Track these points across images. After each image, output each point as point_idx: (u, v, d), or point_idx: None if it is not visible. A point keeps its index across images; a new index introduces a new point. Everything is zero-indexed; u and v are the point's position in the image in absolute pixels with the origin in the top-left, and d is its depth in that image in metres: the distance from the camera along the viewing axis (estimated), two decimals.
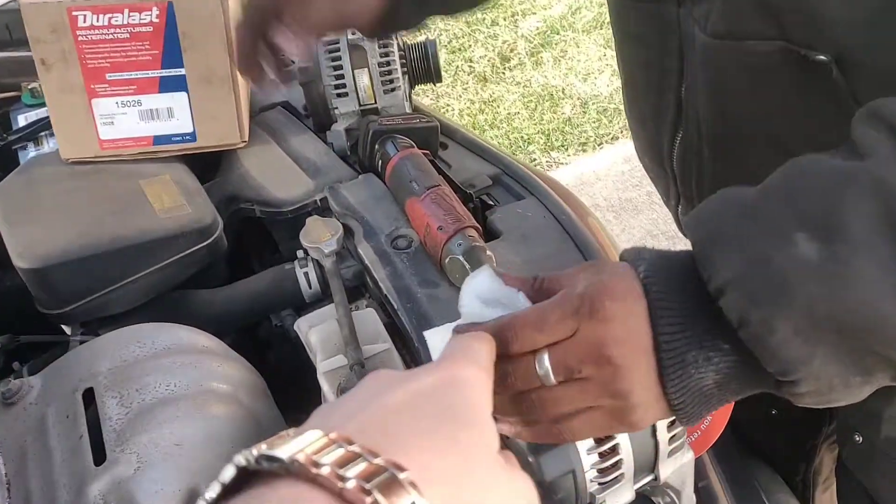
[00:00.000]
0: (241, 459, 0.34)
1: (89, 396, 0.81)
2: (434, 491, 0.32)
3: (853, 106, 0.57)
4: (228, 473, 0.34)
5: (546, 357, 0.49)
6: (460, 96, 3.64)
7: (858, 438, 0.85)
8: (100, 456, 0.75)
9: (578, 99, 3.47)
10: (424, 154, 1.06)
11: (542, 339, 0.50)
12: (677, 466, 0.61)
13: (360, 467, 0.31)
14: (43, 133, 1.32)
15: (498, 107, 3.51)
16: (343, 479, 0.31)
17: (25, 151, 1.31)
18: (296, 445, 0.33)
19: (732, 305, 0.46)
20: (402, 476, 0.31)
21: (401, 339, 0.87)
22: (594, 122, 3.31)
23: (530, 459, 0.57)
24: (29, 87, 1.41)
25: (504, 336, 0.50)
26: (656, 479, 0.61)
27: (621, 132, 3.21)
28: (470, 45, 3.88)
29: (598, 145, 3.21)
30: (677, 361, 0.48)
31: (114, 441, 0.76)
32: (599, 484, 0.56)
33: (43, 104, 1.38)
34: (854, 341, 0.44)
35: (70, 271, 0.94)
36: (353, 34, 1.13)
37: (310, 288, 1.00)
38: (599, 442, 0.56)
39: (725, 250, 0.47)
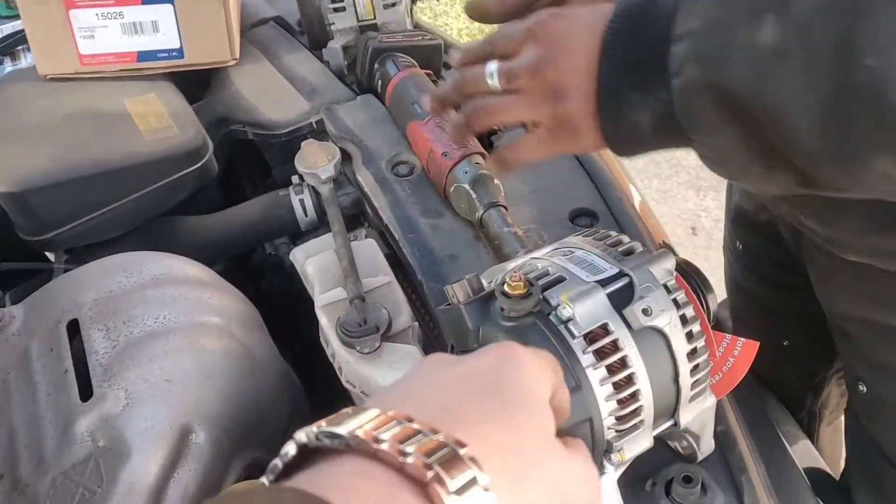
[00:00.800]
0: (302, 437, 0.33)
1: (74, 328, 0.77)
2: (493, 466, 0.32)
3: None
4: (291, 450, 0.33)
5: (495, 64, 0.56)
6: (459, 15, 3.51)
7: (863, 388, 0.83)
8: (86, 391, 0.71)
9: None
10: (427, 74, 0.99)
11: (500, 46, 0.57)
12: (698, 412, 0.58)
13: (420, 443, 0.31)
14: (20, 47, 1.25)
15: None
16: (404, 454, 0.30)
17: (1, 67, 1.24)
18: (356, 423, 0.32)
19: (677, 55, 0.49)
20: (462, 452, 0.31)
21: (402, 271, 0.83)
22: None
23: None
24: None
25: (483, 48, 0.58)
26: (676, 424, 0.57)
27: None
28: None
29: None
30: (612, 96, 0.51)
31: (101, 376, 0.72)
32: (617, 431, 0.53)
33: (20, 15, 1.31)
34: (761, 134, 0.47)
35: (51, 196, 0.89)
36: None
37: (305, 216, 0.95)
38: (618, 388, 0.52)
39: (710, 4, 0.48)
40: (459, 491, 0.30)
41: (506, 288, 0.53)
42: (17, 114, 0.98)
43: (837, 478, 1.04)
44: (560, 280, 0.56)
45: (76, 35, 0.99)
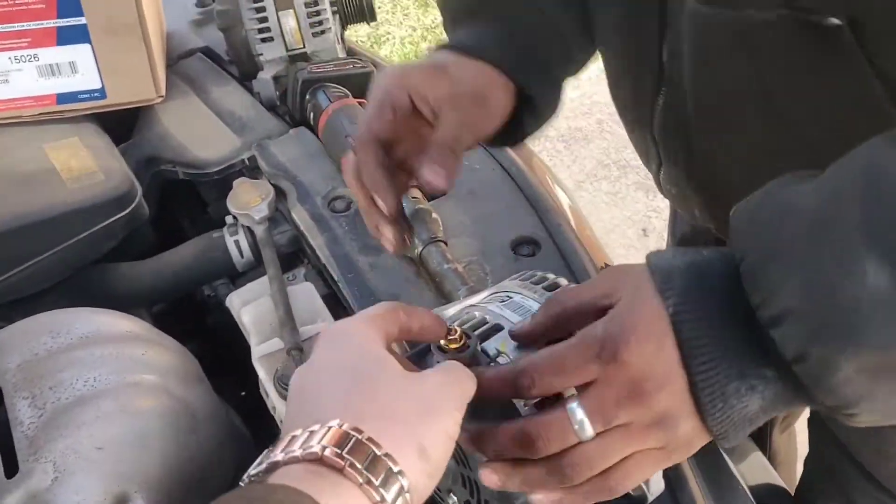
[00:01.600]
0: (279, 455, 0.42)
1: None
2: (369, 426, 0.41)
3: (869, 74, 0.50)
4: (261, 467, 0.43)
5: (578, 407, 0.45)
6: (401, 23, 3.49)
7: None
8: (11, 467, 0.68)
9: None
10: (360, 104, 0.97)
11: (560, 384, 0.45)
12: None
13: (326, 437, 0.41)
14: None
15: (442, 34, 3.38)
16: (343, 457, 0.40)
17: None
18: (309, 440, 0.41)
19: (790, 339, 0.41)
20: (379, 452, 0.40)
21: (342, 312, 0.81)
22: None
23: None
24: None
25: (521, 383, 0.46)
26: None
27: None
28: None
29: None
30: (717, 397, 0.43)
31: (26, 449, 0.68)
32: None
33: None
34: None
35: None
36: None
37: (241, 257, 0.92)
38: None
39: (785, 273, 0.41)
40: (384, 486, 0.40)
41: (442, 342, 0.51)
42: None
43: (793, 484, 1.04)
44: (498, 328, 0.54)
45: None
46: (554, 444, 0.45)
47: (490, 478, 0.48)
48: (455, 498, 0.55)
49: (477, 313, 0.56)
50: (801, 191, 0.42)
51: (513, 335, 0.52)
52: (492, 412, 0.49)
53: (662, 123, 0.67)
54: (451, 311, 0.59)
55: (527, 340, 0.51)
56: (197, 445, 0.75)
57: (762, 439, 1.17)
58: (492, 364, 0.52)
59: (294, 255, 0.93)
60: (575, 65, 0.73)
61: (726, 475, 0.65)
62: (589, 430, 0.45)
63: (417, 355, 0.54)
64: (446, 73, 0.63)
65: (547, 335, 0.51)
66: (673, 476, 0.61)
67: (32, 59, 0.95)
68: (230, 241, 0.92)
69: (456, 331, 0.51)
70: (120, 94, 0.99)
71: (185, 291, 0.96)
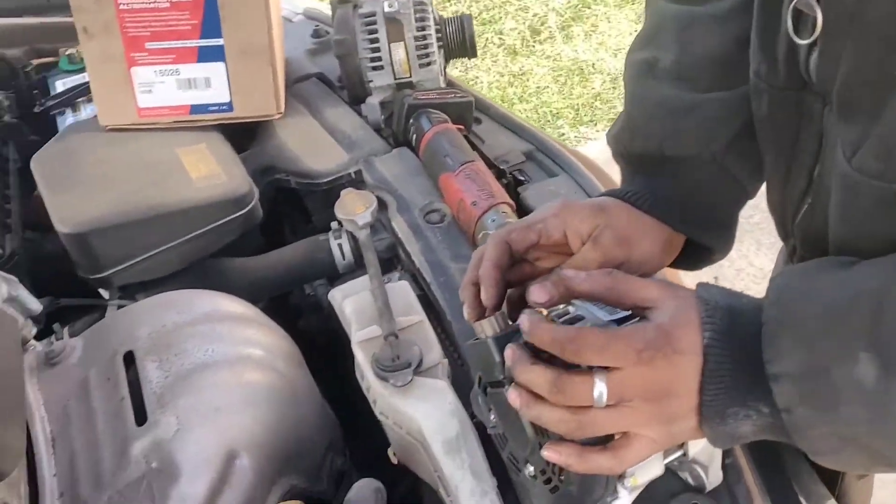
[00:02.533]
0: None
1: (129, 360, 0.84)
2: None
3: None
4: None
5: (603, 381, 0.53)
6: (489, 69, 3.61)
7: None
8: (141, 417, 0.77)
9: (608, 74, 3.44)
10: (458, 129, 1.06)
11: (597, 361, 0.54)
12: (706, 443, 0.62)
13: None
14: (80, 99, 1.34)
15: (527, 80, 3.49)
16: None
17: (63, 117, 1.32)
18: None
19: (783, 394, 0.51)
20: None
21: (432, 312, 0.89)
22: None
23: None
24: (67, 52, 1.42)
25: (567, 347, 0.54)
26: (685, 454, 0.62)
27: None
28: (500, 18, 3.85)
29: None
30: (717, 414, 0.53)
31: (154, 403, 0.78)
32: None
33: (80, 70, 1.40)
34: (884, 451, 0.50)
35: (109, 237, 0.96)
36: (390, 6, 1.13)
37: (343, 259, 1.02)
38: None
39: (794, 343, 0.51)
40: None
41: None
42: (78, 162, 1.06)
43: None
44: (579, 318, 0.61)
45: (136, 90, 1.08)
46: (572, 400, 0.54)
47: (514, 396, 0.56)
48: (532, 468, 0.62)
49: (561, 305, 0.63)
50: (830, 280, 0.53)
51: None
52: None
53: (804, 226, 0.70)
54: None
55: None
56: (295, 420, 0.83)
57: (832, 484, 1.16)
58: None
59: (389, 262, 1.02)
60: (752, 195, 0.77)
61: (779, 475, 0.70)
62: (603, 400, 0.53)
63: (506, 337, 0.61)
64: (603, 214, 0.68)
65: (584, 296, 0.59)
66: (730, 470, 0.66)
67: (174, 73, 1.08)
68: (334, 244, 1.01)
69: (544, 316, 0.59)
70: (245, 109, 1.11)
71: (291, 287, 1.06)
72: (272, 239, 1.18)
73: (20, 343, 0.83)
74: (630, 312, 0.59)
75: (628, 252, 0.68)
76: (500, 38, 3.76)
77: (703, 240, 0.73)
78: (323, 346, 1.06)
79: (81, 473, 0.76)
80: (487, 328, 0.62)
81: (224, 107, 1.10)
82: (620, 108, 0.83)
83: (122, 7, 1.03)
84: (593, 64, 3.52)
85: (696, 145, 0.72)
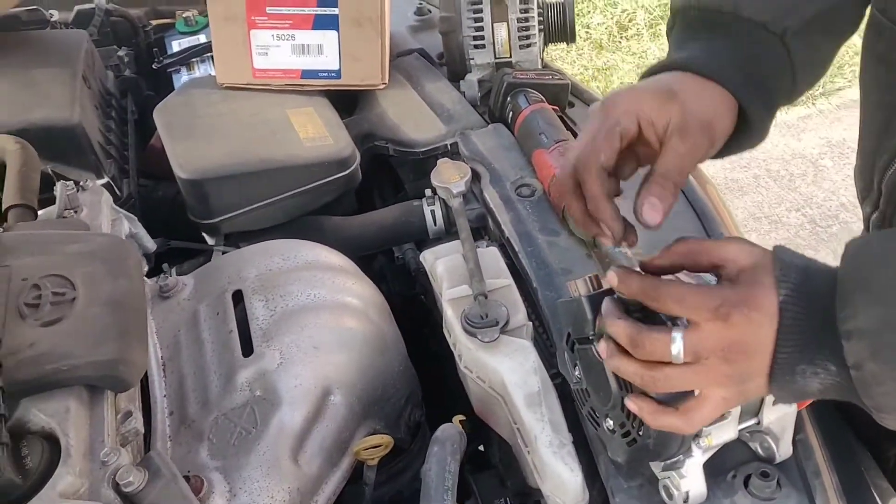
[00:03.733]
0: None
1: (237, 298, 0.91)
2: None
3: None
4: None
5: (681, 337, 0.55)
6: (574, 62, 3.63)
7: None
8: (247, 349, 0.84)
9: None
10: (553, 110, 1.10)
11: (675, 311, 0.57)
12: (780, 415, 0.65)
13: None
14: (194, 59, 1.43)
15: (611, 75, 3.50)
16: None
17: (178, 75, 1.42)
18: None
19: (854, 351, 0.52)
20: None
21: (519, 280, 0.93)
22: None
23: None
24: (183, 15, 1.51)
25: (650, 293, 0.57)
26: (759, 423, 0.65)
27: None
28: (589, 11, 3.86)
29: None
30: (787, 371, 0.55)
31: (260, 338, 0.85)
32: None
33: (195, 32, 1.49)
34: None
35: (222, 186, 1.04)
36: None
37: (434, 225, 1.07)
38: None
39: (869, 301, 0.52)
40: None
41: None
42: (197, 115, 1.14)
43: None
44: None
45: (253, 51, 1.15)
46: (651, 354, 0.57)
47: (602, 347, 0.60)
48: (611, 422, 0.66)
49: None
50: None
51: (642, 265, 0.63)
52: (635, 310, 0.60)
53: (892, 182, 0.71)
54: None
55: (653, 269, 0.62)
56: (383, 367, 0.89)
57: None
58: None
59: (477, 231, 1.07)
60: (796, 95, 0.73)
61: (848, 454, 0.72)
62: (680, 357, 0.56)
63: (598, 296, 0.65)
64: (677, 100, 0.64)
65: (666, 269, 0.62)
66: (800, 445, 0.69)
67: (290, 38, 1.14)
68: (427, 211, 1.07)
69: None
70: (352, 77, 1.17)
71: (383, 247, 1.12)
72: (363, 203, 1.24)
73: (143, 272, 0.91)
74: (716, 281, 0.62)
75: (712, 135, 0.65)
76: (587, 32, 3.77)
77: (754, 113, 0.67)
78: (400, 311, 1.12)
79: (190, 395, 0.84)
80: (581, 287, 0.66)
81: (333, 74, 1.17)
82: None
83: None
84: None
85: (772, 12, 0.68)
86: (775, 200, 2.77)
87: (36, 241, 0.80)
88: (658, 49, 3.58)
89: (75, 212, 0.94)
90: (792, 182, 2.88)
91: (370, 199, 1.32)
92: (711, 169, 2.93)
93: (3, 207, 0.89)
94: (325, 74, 1.17)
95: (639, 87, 0.67)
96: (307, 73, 1.17)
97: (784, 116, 3.14)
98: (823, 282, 0.55)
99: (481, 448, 0.96)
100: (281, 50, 1.15)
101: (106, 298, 0.73)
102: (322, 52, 1.15)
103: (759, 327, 0.54)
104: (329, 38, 1.14)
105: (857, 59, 0.77)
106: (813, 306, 0.54)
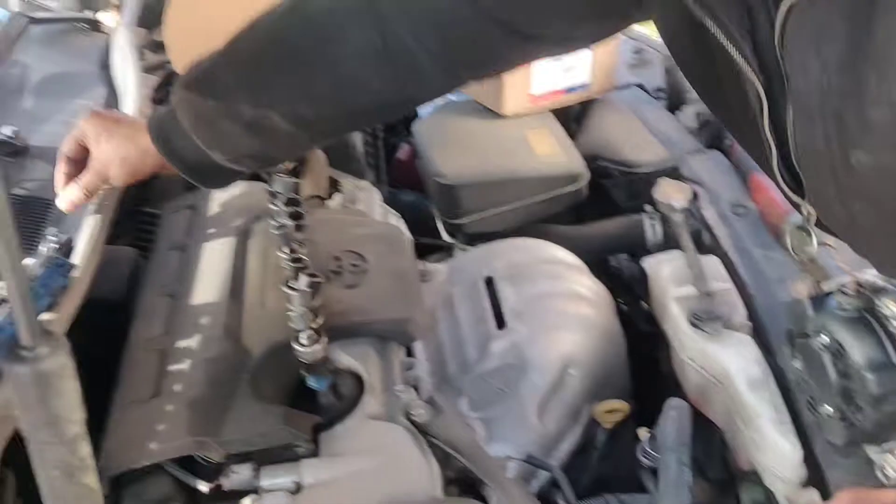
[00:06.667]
0: None
1: (488, 283, 1.07)
2: None
3: None
4: None
5: None
6: None
7: None
8: (500, 324, 1.00)
9: None
10: None
11: None
12: None
13: None
14: None
15: None
16: None
17: None
18: None
19: None
20: None
21: (738, 286, 1.04)
22: None
23: None
24: None
25: None
26: None
27: None
28: None
29: None
30: None
31: (511, 315, 1.01)
32: None
33: None
34: None
35: (473, 190, 1.21)
36: None
37: (653, 238, 1.19)
38: None
39: None
40: None
41: (843, 288, 0.73)
42: (452, 130, 1.32)
43: None
44: (885, 289, 0.74)
45: (531, 78, 1.29)
46: None
47: None
48: (830, 408, 0.76)
49: (870, 279, 0.77)
50: None
51: None
52: None
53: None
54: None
55: None
56: (611, 353, 1.03)
57: None
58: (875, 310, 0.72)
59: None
60: None
61: None
62: None
63: (821, 297, 0.76)
64: None
65: None
66: None
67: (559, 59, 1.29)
68: (647, 224, 1.19)
69: (856, 282, 0.73)
70: (598, 86, 1.33)
71: (601, 256, 1.25)
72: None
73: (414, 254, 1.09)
74: None
75: None
76: None
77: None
78: None
79: (448, 360, 1.00)
80: (803, 290, 0.77)
81: (583, 87, 1.33)
82: None
83: None
84: None
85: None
86: None
87: (333, 223, 0.99)
88: None
89: (353, 204, 1.14)
90: None
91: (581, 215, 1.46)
92: None
93: (305, 196, 1.10)
94: (579, 88, 1.32)
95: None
96: (569, 90, 1.33)
97: None
98: None
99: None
100: (551, 73, 1.30)
101: (391, 270, 0.89)
102: (577, 67, 1.31)
103: None
104: (585, 53, 1.29)
105: None
106: None
